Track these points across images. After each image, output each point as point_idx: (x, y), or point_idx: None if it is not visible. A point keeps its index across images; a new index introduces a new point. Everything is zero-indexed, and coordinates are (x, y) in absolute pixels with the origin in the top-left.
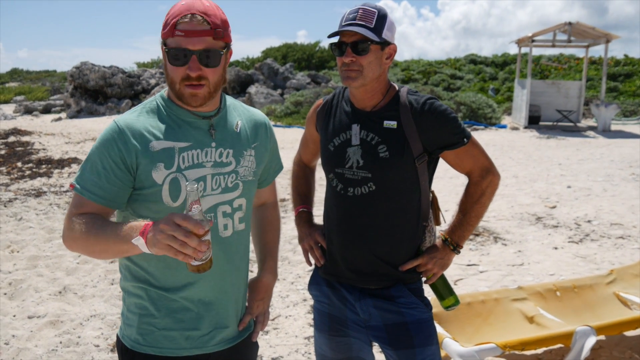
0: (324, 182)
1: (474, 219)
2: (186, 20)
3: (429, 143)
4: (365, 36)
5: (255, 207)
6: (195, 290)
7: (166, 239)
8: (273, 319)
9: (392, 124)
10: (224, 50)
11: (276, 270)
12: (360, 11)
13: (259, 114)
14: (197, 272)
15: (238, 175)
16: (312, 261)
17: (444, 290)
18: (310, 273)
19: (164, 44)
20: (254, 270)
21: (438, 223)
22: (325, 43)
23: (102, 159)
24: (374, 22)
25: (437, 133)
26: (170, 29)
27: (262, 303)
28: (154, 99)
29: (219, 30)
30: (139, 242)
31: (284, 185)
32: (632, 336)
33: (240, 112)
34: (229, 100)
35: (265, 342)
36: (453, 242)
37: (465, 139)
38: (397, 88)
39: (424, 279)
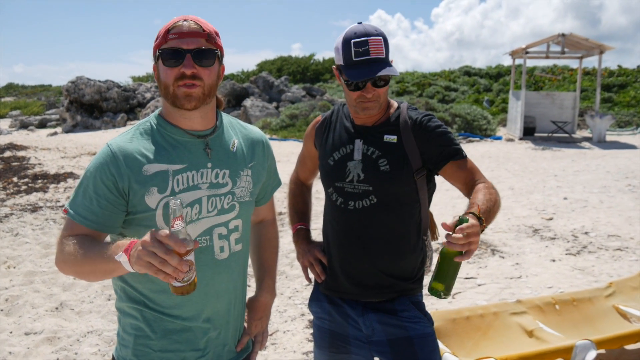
0: (321, 197)
1: (494, 206)
2: (179, 24)
3: (430, 157)
4: (390, 75)
5: (254, 224)
6: (191, 311)
7: (146, 255)
8: (271, 334)
9: (392, 138)
10: (218, 52)
11: (274, 289)
12: (370, 43)
13: (256, 131)
14: (180, 294)
15: (234, 196)
16: (312, 278)
17: (451, 275)
18: (309, 287)
19: (158, 51)
20: (251, 285)
21: (434, 238)
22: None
23: (94, 184)
24: (384, 52)
25: (437, 146)
26: (164, 36)
27: (260, 322)
28: (148, 119)
29: (212, 35)
30: (122, 259)
31: (280, 198)
32: (632, 350)
33: (237, 131)
34: (226, 118)
35: (263, 358)
36: (482, 214)
37: (464, 153)
38: (396, 104)
39: (424, 291)
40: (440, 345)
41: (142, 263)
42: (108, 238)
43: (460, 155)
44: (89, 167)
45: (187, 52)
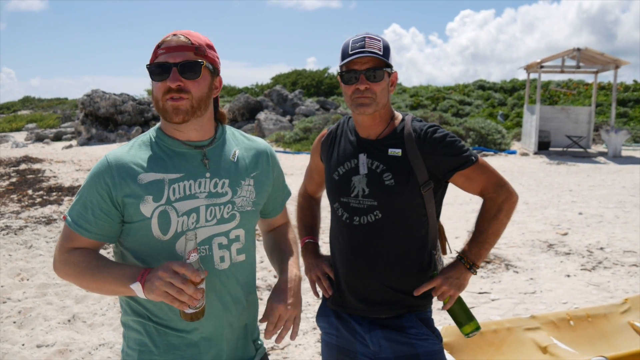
0: (328, 212)
1: (492, 236)
2: (168, 39)
3: (437, 169)
4: (380, 61)
5: (268, 232)
6: (195, 325)
7: (164, 285)
8: (282, 348)
9: (397, 151)
10: (206, 62)
11: (299, 266)
12: (366, 39)
13: (260, 142)
14: (190, 320)
15: (235, 205)
16: (320, 292)
17: (462, 315)
18: (319, 301)
19: (147, 66)
20: (263, 298)
21: (444, 252)
22: (334, 69)
23: (90, 193)
24: (382, 50)
25: (442, 157)
26: (154, 52)
27: (292, 307)
28: (148, 132)
29: (201, 48)
30: (137, 287)
31: (291, 211)
32: None
33: (240, 142)
34: (229, 130)
35: None
36: (469, 261)
37: (473, 158)
38: (400, 116)
39: (438, 305)
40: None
41: (160, 293)
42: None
43: (468, 164)
44: (87, 178)
45: (173, 65)
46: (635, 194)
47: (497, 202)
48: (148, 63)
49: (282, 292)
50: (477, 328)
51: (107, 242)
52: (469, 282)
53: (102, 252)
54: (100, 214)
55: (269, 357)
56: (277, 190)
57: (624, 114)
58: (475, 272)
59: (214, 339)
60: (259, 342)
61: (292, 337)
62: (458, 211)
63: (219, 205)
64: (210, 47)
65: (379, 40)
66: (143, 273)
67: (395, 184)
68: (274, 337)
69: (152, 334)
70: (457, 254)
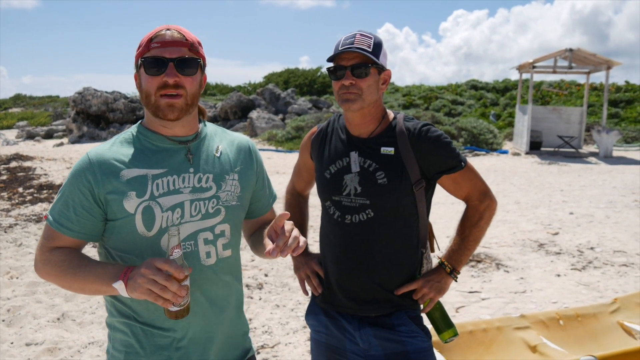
0: (318, 210)
1: (472, 243)
2: (162, 33)
3: (427, 168)
4: (367, 58)
5: (255, 232)
6: (181, 324)
7: (147, 283)
8: (272, 347)
9: (390, 150)
10: (200, 61)
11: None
12: (357, 36)
13: (241, 137)
14: (175, 318)
15: (219, 200)
16: (309, 290)
17: (441, 322)
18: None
19: (140, 59)
20: (254, 297)
21: (433, 250)
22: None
23: (71, 192)
24: (371, 47)
25: (434, 158)
26: (146, 45)
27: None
28: (130, 129)
29: (195, 45)
30: (120, 286)
31: (279, 208)
32: None
33: (222, 137)
34: (210, 126)
35: None
36: (450, 266)
37: (462, 163)
38: (392, 114)
39: (421, 306)
40: (443, 359)
41: (143, 290)
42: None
43: (457, 168)
44: (68, 176)
45: (169, 60)
46: (626, 194)
47: (480, 210)
48: (139, 55)
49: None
50: (455, 335)
51: (89, 240)
52: (449, 287)
53: (86, 250)
54: (82, 212)
55: (259, 355)
56: (261, 185)
57: (615, 115)
58: (455, 278)
59: (201, 338)
60: (247, 339)
61: (297, 251)
62: (449, 210)
63: (204, 200)
64: (200, 44)
65: (370, 38)
66: (126, 271)
67: (388, 182)
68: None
69: (138, 335)
70: (438, 260)
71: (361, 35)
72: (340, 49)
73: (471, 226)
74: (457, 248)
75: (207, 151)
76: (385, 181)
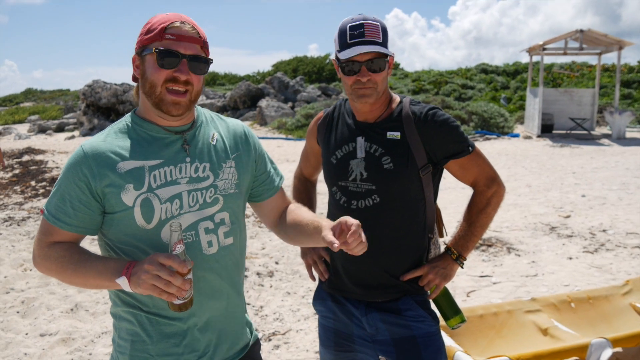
0: (325, 195)
1: (479, 229)
2: (177, 25)
3: (434, 153)
4: (382, 52)
5: (279, 218)
6: (186, 312)
7: (151, 278)
8: (284, 333)
9: (396, 134)
10: (211, 61)
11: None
12: (365, 26)
13: (237, 123)
14: (178, 310)
15: (217, 189)
16: (316, 276)
17: (448, 308)
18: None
19: (155, 49)
20: (264, 285)
21: (441, 235)
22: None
23: (67, 186)
24: (382, 37)
25: (441, 142)
26: (159, 33)
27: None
28: (124, 119)
29: (206, 43)
30: (123, 282)
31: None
32: None
33: (217, 124)
34: (205, 113)
35: (276, 357)
36: (456, 252)
37: (470, 147)
38: (398, 99)
39: (428, 292)
40: (453, 343)
41: (147, 286)
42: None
43: (464, 153)
44: (63, 169)
45: (184, 56)
46: (639, 176)
47: (487, 196)
48: (148, 41)
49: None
50: (463, 321)
51: (88, 234)
52: (455, 273)
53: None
54: (79, 206)
55: (271, 342)
56: (263, 168)
57: (628, 96)
58: (462, 265)
59: (206, 325)
60: (251, 324)
61: (360, 250)
62: (460, 195)
63: (201, 190)
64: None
65: (377, 24)
66: (128, 267)
67: (394, 167)
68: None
69: (144, 323)
70: (444, 246)
71: (368, 24)
72: (350, 41)
73: (478, 212)
74: (463, 234)
75: (203, 140)
76: (391, 166)
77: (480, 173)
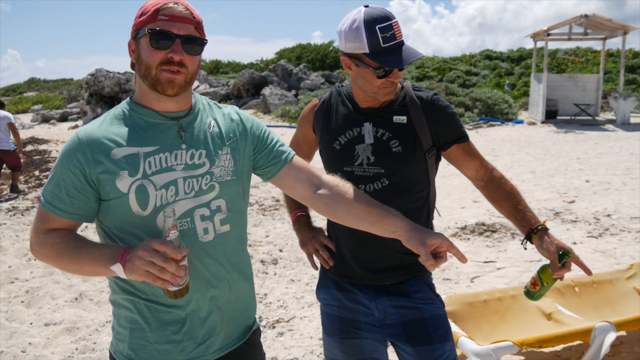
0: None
1: (523, 201)
2: (170, 6)
3: (438, 136)
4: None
5: (312, 192)
6: (185, 299)
7: (145, 265)
8: (288, 321)
9: (402, 118)
10: (206, 42)
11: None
12: (394, 27)
13: (231, 109)
14: (174, 297)
15: (213, 176)
16: (318, 265)
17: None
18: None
19: (147, 30)
20: (269, 272)
21: (432, 217)
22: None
23: (62, 173)
24: (403, 32)
25: (446, 126)
26: (152, 15)
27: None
28: (120, 105)
29: (201, 24)
30: (118, 268)
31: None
32: None
33: (215, 112)
34: (202, 99)
35: (280, 344)
36: (537, 226)
37: (467, 136)
38: (400, 84)
39: (443, 275)
40: (457, 329)
41: (141, 272)
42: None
43: (466, 139)
44: (58, 156)
45: (177, 37)
46: None
47: (497, 177)
48: (141, 24)
49: (418, 229)
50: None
51: (84, 221)
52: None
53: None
54: (74, 193)
55: (275, 329)
56: (263, 145)
57: (632, 81)
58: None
59: (205, 313)
60: (252, 312)
61: (464, 260)
62: (465, 181)
63: (197, 177)
64: (202, 22)
65: (397, 20)
66: (123, 253)
67: (403, 150)
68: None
69: (142, 311)
70: (528, 233)
71: (394, 22)
72: (385, 45)
73: (508, 194)
74: (522, 215)
75: (199, 127)
76: (400, 149)
77: (480, 159)
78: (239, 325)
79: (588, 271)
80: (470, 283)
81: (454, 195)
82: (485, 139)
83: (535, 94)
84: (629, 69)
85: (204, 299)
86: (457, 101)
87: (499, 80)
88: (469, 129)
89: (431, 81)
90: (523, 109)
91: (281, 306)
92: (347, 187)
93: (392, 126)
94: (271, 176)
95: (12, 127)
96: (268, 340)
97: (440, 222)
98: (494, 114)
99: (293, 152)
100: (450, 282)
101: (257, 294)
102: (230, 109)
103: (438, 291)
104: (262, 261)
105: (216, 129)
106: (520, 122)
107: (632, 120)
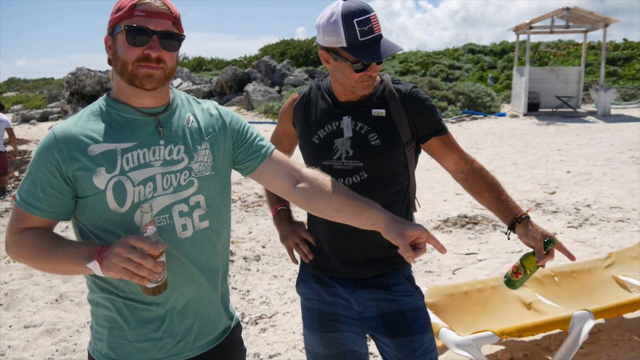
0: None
1: (504, 191)
2: (146, 1)
3: (417, 129)
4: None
5: (290, 185)
6: (164, 297)
7: (122, 262)
8: (270, 317)
9: (381, 112)
10: (183, 37)
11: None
12: (372, 20)
13: (210, 104)
14: (152, 294)
15: (192, 172)
16: (299, 259)
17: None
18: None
19: (124, 27)
20: (251, 269)
21: (415, 209)
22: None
23: (38, 170)
24: (382, 26)
25: (425, 119)
26: (129, 10)
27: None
28: (97, 101)
29: (178, 19)
30: (94, 266)
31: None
32: (631, 318)
33: (193, 107)
34: (181, 96)
35: (263, 340)
36: (519, 215)
37: (446, 128)
38: (378, 77)
39: (425, 268)
40: (438, 320)
41: (118, 269)
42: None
43: (445, 131)
44: (34, 154)
45: (154, 33)
46: (623, 151)
47: (477, 168)
48: (117, 19)
49: (397, 221)
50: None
51: (60, 219)
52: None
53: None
54: (50, 191)
55: (257, 325)
56: (243, 139)
57: (613, 73)
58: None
59: (184, 309)
60: (231, 308)
61: (444, 250)
62: (448, 175)
63: (175, 172)
64: (180, 17)
65: (375, 14)
66: (100, 250)
67: (381, 143)
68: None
69: (121, 309)
70: (512, 223)
71: (372, 15)
72: (362, 39)
73: (489, 185)
74: (504, 206)
75: (177, 122)
76: (378, 142)
77: (459, 151)
78: (219, 321)
79: (572, 257)
80: (452, 275)
81: (437, 188)
82: (468, 132)
83: (517, 87)
84: (609, 61)
85: (183, 295)
86: (440, 95)
87: (482, 73)
88: (452, 123)
89: (415, 75)
90: (506, 102)
91: (264, 302)
92: (326, 180)
93: (370, 119)
94: (251, 171)
95: (9, 132)
96: (251, 336)
97: (423, 215)
98: (477, 107)
99: (273, 147)
100: (432, 274)
101: (240, 291)
102: (210, 104)
103: (420, 284)
104: (244, 258)
105: (195, 124)
106: (503, 115)
107: (613, 111)
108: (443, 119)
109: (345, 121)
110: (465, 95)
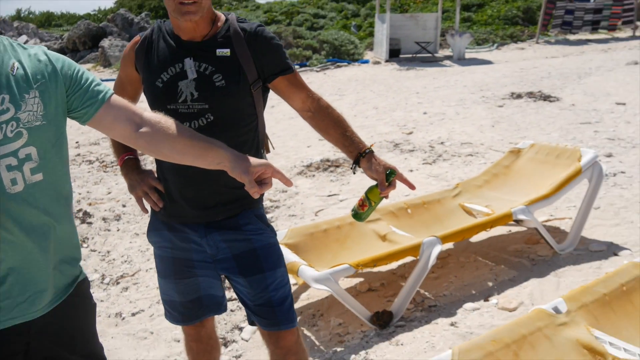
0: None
1: (350, 127)
2: None
3: (263, 69)
4: None
5: (132, 131)
6: None
7: None
8: (132, 275)
9: (226, 51)
10: None
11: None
12: None
13: (38, 49)
14: None
15: (20, 122)
16: (148, 208)
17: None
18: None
19: None
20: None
21: (268, 150)
22: None
23: None
24: None
25: (271, 58)
26: None
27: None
28: None
29: None
30: None
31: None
32: (476, 242)
33: (18, 52)
34: (3, 41)
35: (125, 299)
36: (364, 149)
37: (294, 68)
38: (223, 16)
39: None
40: (297, 258)
41: None
42: None
43: (291, 70)
44: None
45: None
46: (475, 92)
47: (324, 106)
48: None
49: (242, 158)
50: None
51: None
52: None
53: None
54: None
55: (119, 285)
56: (77, 86)
57: (467, 19)
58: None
59: (22, 269)
60: (77, 265)
61: (290, 183)
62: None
63: (1, 124)
64: None
65: None
66: None
67: (227, 84)
68: None
69: None
70: (357, 157)
71: None
72: None
73: (335, 122)
74: (349, 141)
75: (1, 70)
76: (223, 83)
77: (307, 89)
78: (64, 277)
79: (412, 186)
80: (315, 217)
81: (300, 135)
82: (332, 80)
83: (379, 34)
84: (464, 7)
85: (19, 254)
86: (304, 44)
87: (346, 22)
88: (317, 71)
89: (279, 25)
90: (369, 49)
91: (125, 261)
92: (169, 123)
93: (215, 60)
94: (88, 118)
95: None
96: (112, 296)
97: (287, 162)
98: (341, 55)
99: (111, 91)
100: (295, 217)
101: (99, 252)
102: (37, 49)
103: (284, 227)
104: (104, 219)
105: (21, 71)
106: (366, 62)
107: (467, 55)
108: (306, 67)
109: (188, 63)
110: (330, 44)
